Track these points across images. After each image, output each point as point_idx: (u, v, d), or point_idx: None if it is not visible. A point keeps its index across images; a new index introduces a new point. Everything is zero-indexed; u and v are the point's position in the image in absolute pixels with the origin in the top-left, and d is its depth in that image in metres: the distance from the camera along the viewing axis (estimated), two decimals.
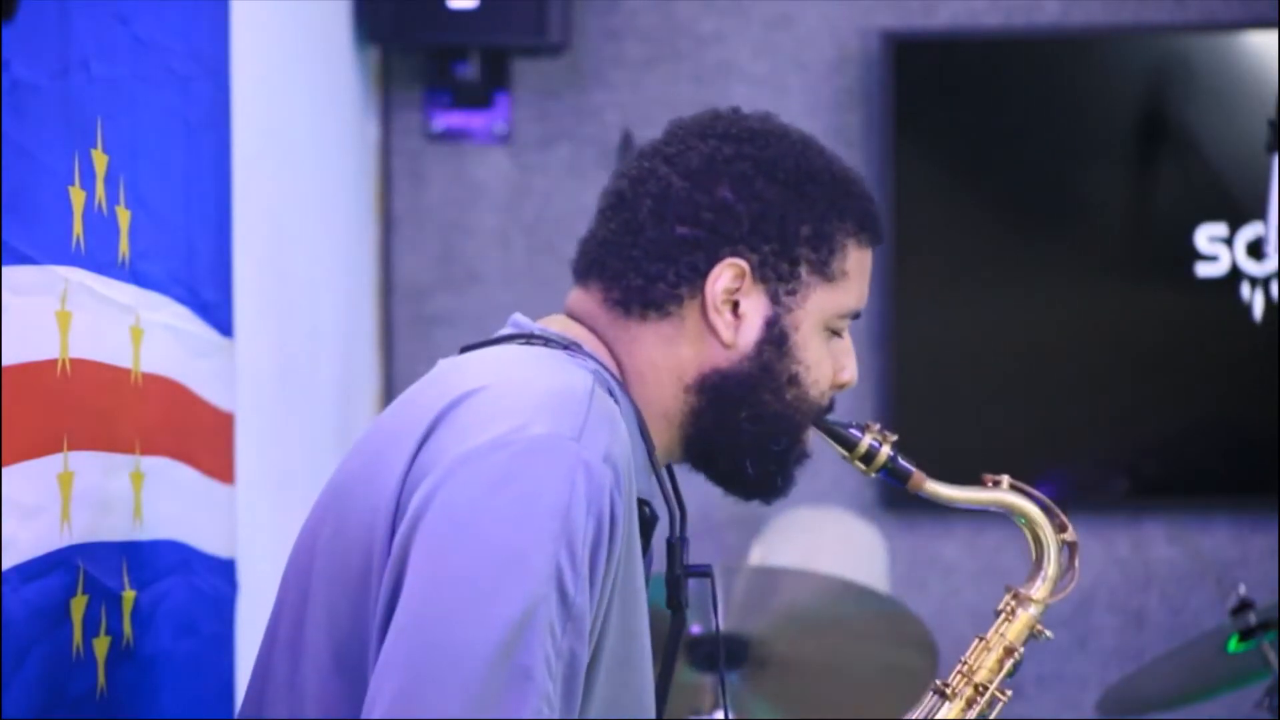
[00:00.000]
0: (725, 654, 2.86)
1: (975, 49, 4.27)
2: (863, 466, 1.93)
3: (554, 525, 1.62)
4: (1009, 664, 2.00)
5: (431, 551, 1.62)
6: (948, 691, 1.98)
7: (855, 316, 1.88)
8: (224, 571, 2.62)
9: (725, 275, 1.81)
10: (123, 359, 2.18)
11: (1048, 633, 2.00)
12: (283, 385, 3.19)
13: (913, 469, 1.93)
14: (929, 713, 1.98)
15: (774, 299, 1.82)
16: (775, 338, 1.82)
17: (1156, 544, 4.25)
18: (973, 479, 2.02)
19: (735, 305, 1.82)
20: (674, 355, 1.82)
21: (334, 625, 1.71)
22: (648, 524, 1.82)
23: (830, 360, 1.87)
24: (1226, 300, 4.16)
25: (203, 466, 2.51)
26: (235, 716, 1.82)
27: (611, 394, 1.77)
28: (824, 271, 1.84)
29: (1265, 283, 4.14)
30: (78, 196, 2.03)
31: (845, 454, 1.92)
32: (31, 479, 1.89)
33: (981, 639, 2.00)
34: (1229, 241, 4.15)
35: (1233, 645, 3.12)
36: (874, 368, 4.26)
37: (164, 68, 2.38)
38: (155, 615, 2.29)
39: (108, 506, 2.12)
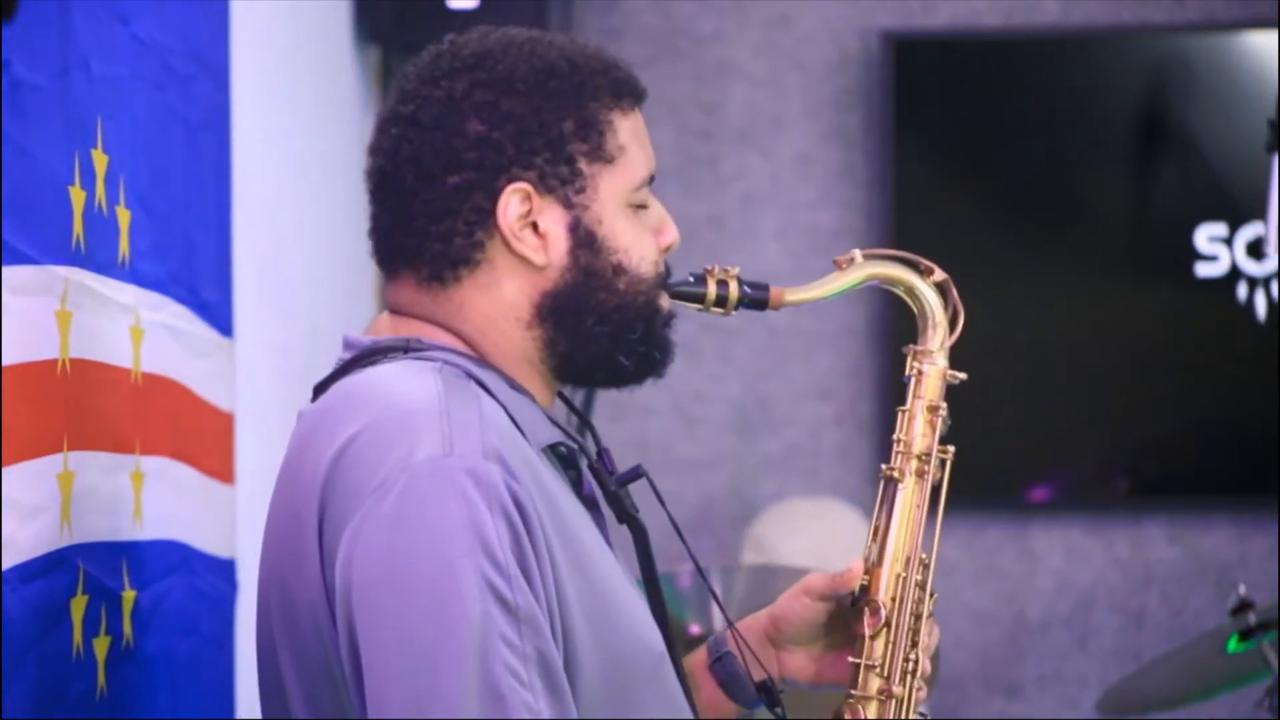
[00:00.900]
0: None
1: (975, 49, 4.27)
2: (721, 311, 1.89)
3: (464, 543, 1.61)
4: (937, 423, 1.95)
5: (369, 621, 1.62)
6: (895, 474, 1.95)
7: (650, 181, 1.85)
8: (224, 571, 2.62)
9: (512, 203, 1.77)
10: (123, 359, 2.18)
11: (960, 375, 1.96)
12: (283, 385, 3.19)
13: (766, 291, 1.90)
14: (889, 503, 1.95)
15: (566, 204, 1.79)
16: (584, 239, 1.79)
17: (1156, 544, 4.26)
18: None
19: (534, 226, 1.79)
20: (501, 300, 1.80)
21: (311, 697, 1.73)
22: (571, 459, 1.82)
23: (648, 233, 1.84)
24: (1226, 300, 4.16)
25: (203, 466, 2.51)
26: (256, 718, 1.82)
27: (468, 374, 1.75)
28: (601, 156, 1.80)
29: (1265, 283, 4.14)
30: (78, 196, 2.03)
31: (699, 307, 1.89)
32: (31, 479, 1.89)
33: (902, 410, 1.96)
34: (1229, 241, 4.15)
35: (1233, 645, 3.12)
36: (874, 367, 4.26)
37: (164, 68, 2.38)
38: (155, 615, 2.28)
39: (108, 506, 2.12)
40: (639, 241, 1.83)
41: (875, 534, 1.94)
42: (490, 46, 1.82)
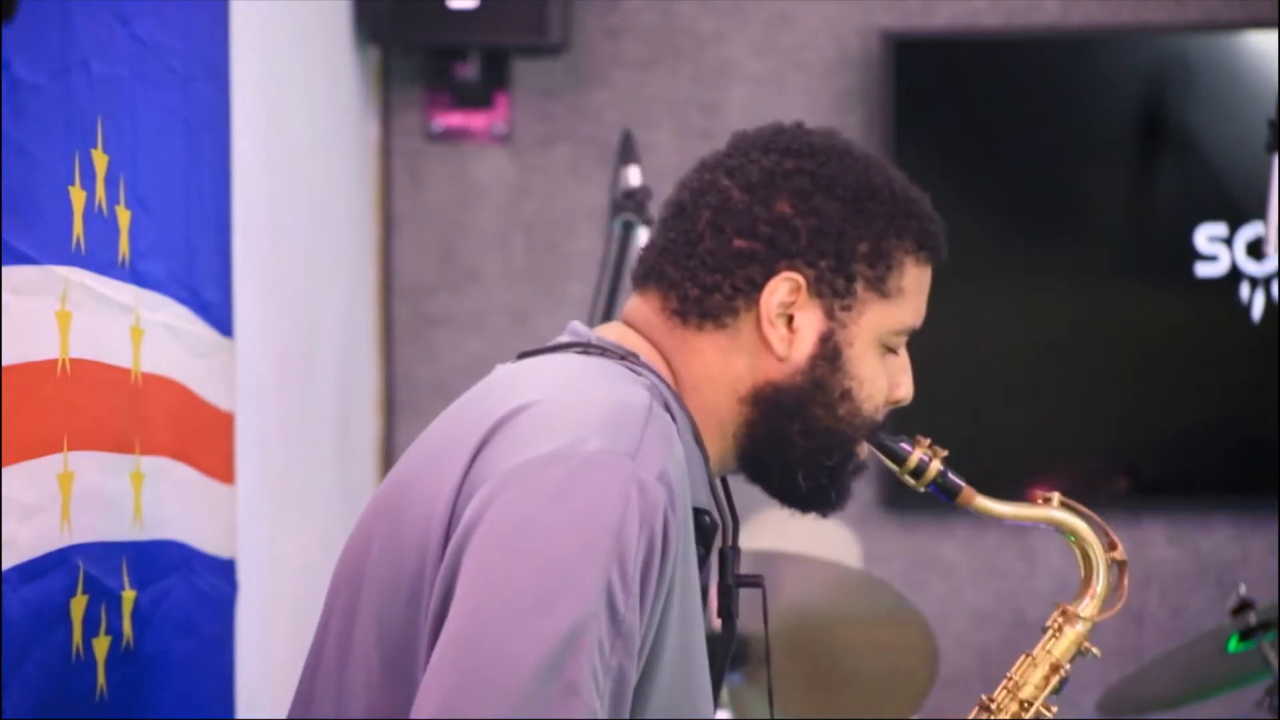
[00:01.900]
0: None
1: (975, 49, 4.27)
2: (912, 481, 1.93)
3: (606, 542, 1.62)
4: (1055, 680, 2.01)
5: (484, 563, 1.63)
6: (993, 707, 2.00)
7: (910, 333, 1.89)
8: (224, 571, 2.62)
9: (781, 289, 1.81)
10: (123, 359, 2.18)
11: (1095, 650, 2.01)
12: (283, 385, 3.19)
13: (962, 484, 1.94)
14: None
15: (829, 314, 1.83)
16: (829, 353, 1.83)
17: (1156, 544, 4.25)
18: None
19: (790, 319, 1.82)
20: (729, 367, 1.83)
21: (384, 630, 1.71)
22: (707, 533, 1.82)
23: (885, 377, 1.88)
24: (1226, 300, 4.15)
25: (203, 466, 2.51)
26: (283, 716, 1.82)
27: (668, 407, 1.78)
28: (880, 288, 1.84)
29: (1265, 283, 4.14)
30: (78, 196, 2.03)
31: (896, 468, 1.92)
32: (31, 479, 1.89)
33: (1028, 655, 2.01)
34: (1229, 241, 4.15)
35: (1233, 645, 3.12)
36: None
37: (164, 68, 2.38)
38: (155, 615, 2.28)
39: (108, 506, 2.12)
40: (875, 380, 1.86)
41: None
42: (832, 145, 1.87)
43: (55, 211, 1.99)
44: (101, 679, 2.08)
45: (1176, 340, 4.20)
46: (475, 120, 4.21)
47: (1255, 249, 4.13)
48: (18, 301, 1.86)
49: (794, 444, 1.84)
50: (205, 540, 2.52)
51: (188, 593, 2.43)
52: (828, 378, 1.83)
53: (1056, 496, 1.98)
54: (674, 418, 1.77)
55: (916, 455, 1.91)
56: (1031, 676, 2.00)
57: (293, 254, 3.33)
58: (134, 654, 2.19)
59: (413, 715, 1.60)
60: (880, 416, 1.88)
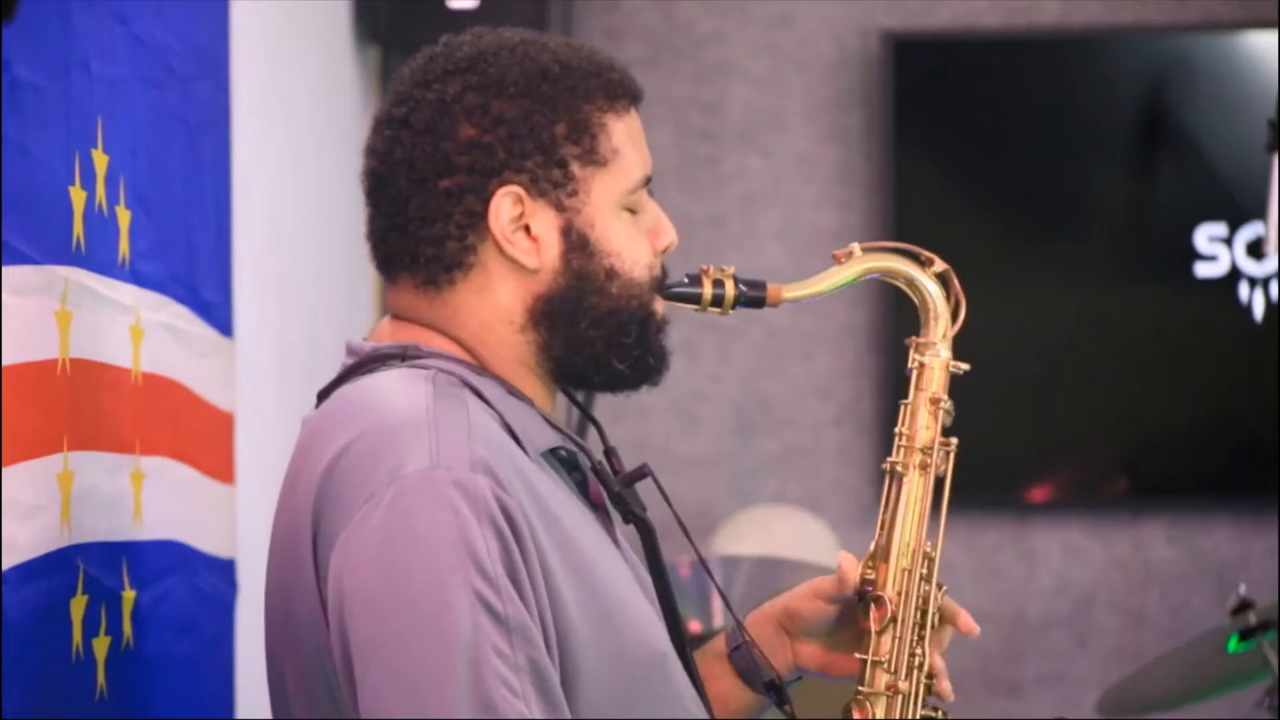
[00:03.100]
0: None
1: (975, 49, 4.27)
2: (718, 311, 1.89)
3: (453, 556, 1.61)
4: (940, 414, 1.94)
5: (361, 636, 1.63)
6: (898, 468, 1.94)
7: (646, 183, 1.85)
8: (224, 571, 2.61)
9: (504, 206, 1.78)
10: (123, 359, 2.18)
11: (964, 366, 1.95)
12: (283, 385, 3.19)
13: (764, 289, 1.90)
14: (893, 497, 1.92)
15: (559, 207, 1.79)
16: (577, 242, 1.79)
17: (1156, 544, 4.26)
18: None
19: (527, 229, 1.79)
20: (495, 304, 1.80)
21: (312, 708, 1.73)
22: (572, 464, 1.82)
23: (642, 236, 1.84)
24: (1226, 300, 4.16)
25: (203, 466, 2.50)
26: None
27: (464, 381, 1.75)
28: (594, 159, 1.80)
29: (1265, 283, 4.14)
30: (78, 196, 2.03)
31: (696, 308, 1.88)
32: (31, 479, 1.89)
33: (905, 403, 1.95)
34: (1229, 242, 4.15)
35: (1233, 645, 3.12)
36: (874, 367, 4.26)
37: (164, 68, 2.38)
38: (155, 615, 2.28)
39: (108, 506, 2.12)
40: (633, 245, 1.83)
41: (880, 528, 1.93)
42: (483, 49, 1.82)
43: (55, 211, 1.99)
44: (101, 679, 2.08)
45: (1176, 340, 4.21)
46: None
47: (1255, 249, 4.13)
48: (18, 301, 1.86)
49: (590, 340, 1.81)
50: (205, 540, 2.52)
51: (188, 593, 2.43)
52: (586, 265, 1.80)
53: (855, 246, 1.92)
54: (475, 389, 1.75)
55: (709, 289, 1.87)
56: (919, 421, 1.94)
57: (293, 254, 3.32)
58: (134, 654, 2.19)
59: None
60: (657, 271, 1.85)
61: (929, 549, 1.93)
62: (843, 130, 4.27)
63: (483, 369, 1.80)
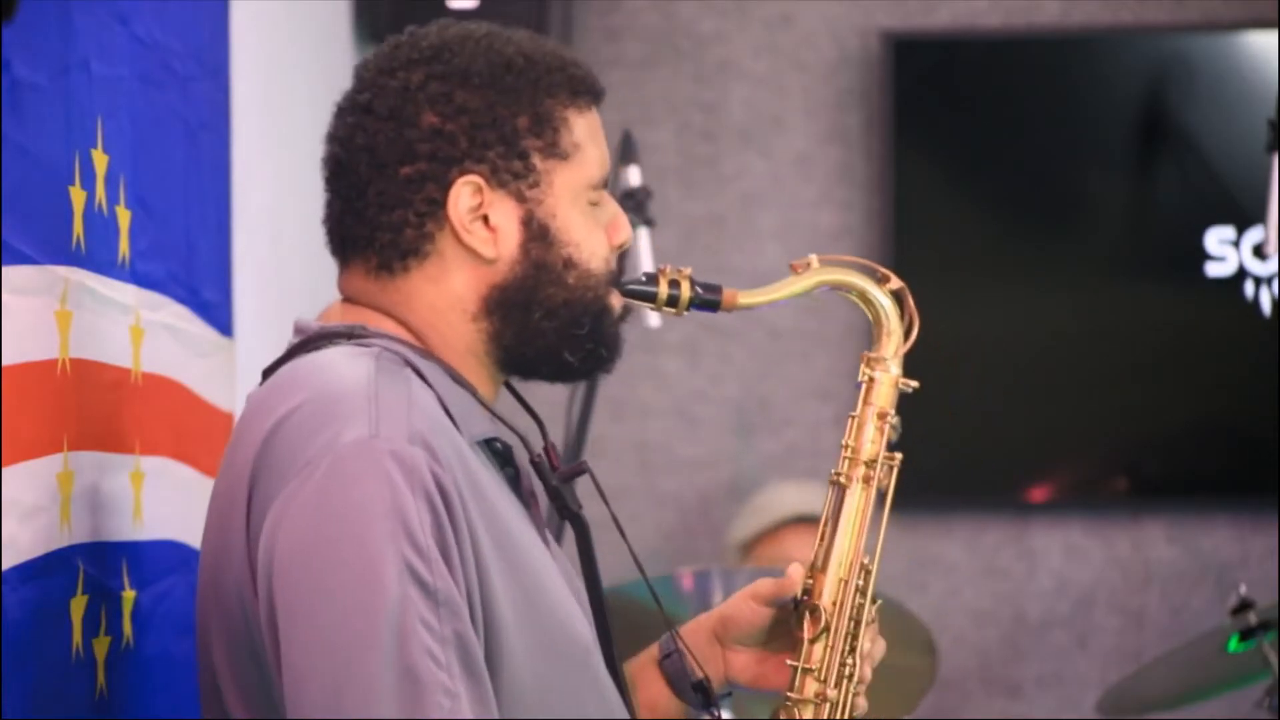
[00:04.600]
0: None
1: (975, 49, 4.27)
2: (672, 311, 1.90)
3: (386, 526, 1.62)
4: (886, 429, 1.96)
5: (288, 603, 1.64)
6: (842, 480, 1.95)
7: (605, 183, 1.86)
8: None
9: (463, 195, 1.79)
10: (123, 359, 2.18)
11: (913, 384, 1.97)
12: None
13: (719, 293, 1.91)
14: (835, 509, 1.94)
15: (519, 198, 1.80)
16: (536, 233, 1.81)
17: (1156, 544, 4.25)
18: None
19: (485, 219, 1.80)
20: (448, 292, 1.81)
21: (243, 686, 1.74)
22: (505, 457, 1.83)
23: (600, 230, 1.85)
24: (1226, 300, 4.15)
25: (203, 466, 2.50)
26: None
27: (406, 361, 1.76)
28: (556, 152, 1.82)
29: (1268, 282, 4.14)
30: (78, 196, 2.03)
31: (651, 306, 1.90)
32: (31, 479, 1.89)
33: (852, 416, 1.97)
34: (1235, 244, 4.15)
35: (1233, 645, 3.12)
36: None
37: (164, 68, 2.37)
38: (155, 615, 2.28)
39: (108, 506, 2.12)
40: (591, 237, 1.84)
41: (821, 539, 1.95)
42: (448, 39, 1.83)
43: (55, 211, 1.99)
44: (101, 679, 2.08)
45: (1174, 340, 4.21)
46: None
47: (1260, 250, 4.13)
48: (18, 301, 1.86)
49: (543, 331, 1.82)
50: None
51: (188, 593, 2.43)
52: (544, 255, 1.81)
53: (814, 258, 1.93)
54: (416, 369, 1.75)
55: (664, 289, 1.88)
56: (865, 434, 1.96)
57: (293, 254, 3.32)
58: (134, 654, 2.19)
59: None
60: (614, 266, 1.86)
61: (867, 561, 1.94)
62: (843, 130, 4.27)
63: (428, 353, 1.81)
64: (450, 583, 1.64)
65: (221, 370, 2.62)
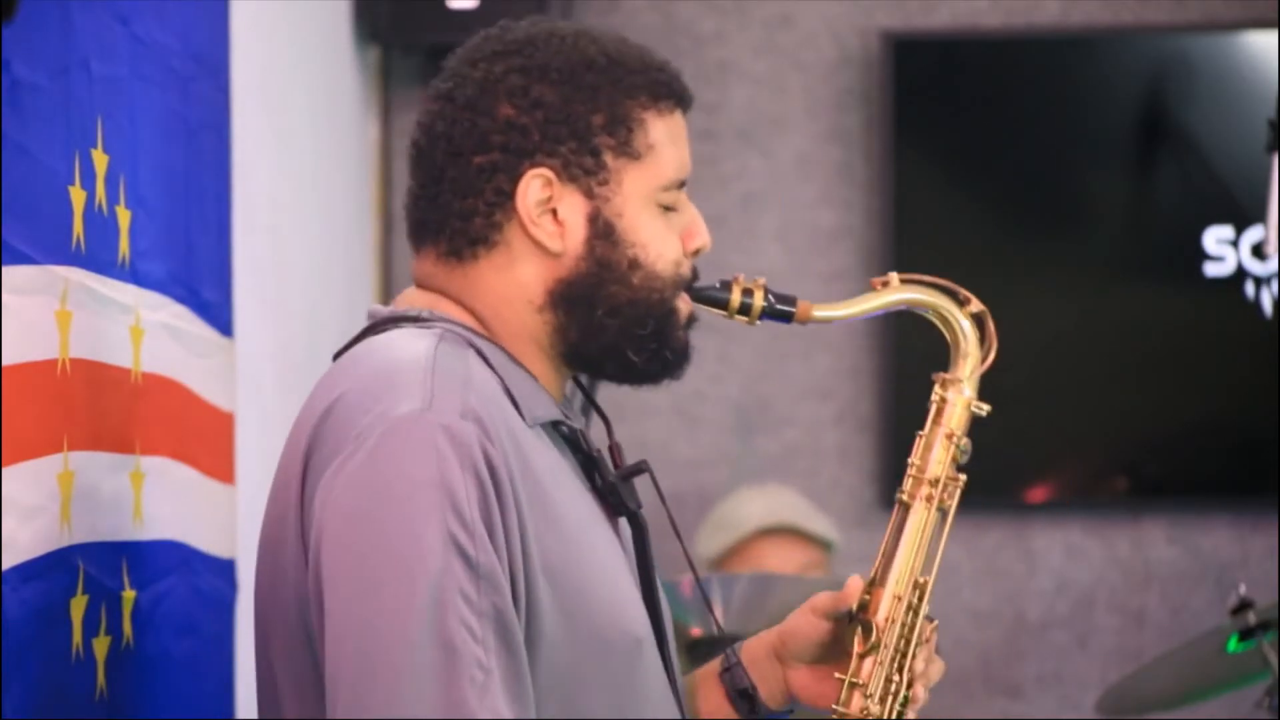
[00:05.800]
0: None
1: (975, 49, 4.27)
2: (744, 319, 1.92)
3: (433, 497, 1.64)
4: (954, 450, 1.97)
5: (333, 569, 1.65)
6: (905, 498, 1.96)
7: (682, 184, 1.87)
8: (224, 571, 2.62)
9: (533, 187, 1.80)
10: (123, 359, 2.18)
11: (985, 407, 1.98)
12: (283, 385, 3.19)
13: (794, 305, 1.92)
14: (898, 526, 1.95)
15: (588, 194, 1.81)
16: (602, 230, 1.82)
17: (1156, 544, 4.25)
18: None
19: (554, 213, 1.81)
20: (515, 282, 1.82)
21: (292, 661, 1.73)
22: (574, 443, 1.84)
23: (673, 233, 1.86)
24: (1226, 300, 4.15)
25: (203, 466, 2.51)
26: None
27: (469, 342, 1.78)
28: (629, 152, 1.83)
29: (1268, 282, 4.14)
30: (78, 196, 2.03)
31: (723, 313, 1.91)
32: (31, 479, 1.89)
33: (921, 435, 1.98)
34: (1235, 244, 4.15)
35: (1233, 645, 3.12)
36: (874, 367, 4.26)
37: (164, 68, 2.38)
38: (155, 615, 2.28)
39: (108, 506, 2.12)
40: (660, 239, 1.85)
41: (882, 554, 1.95)
42: (534, 35, 1.85)
43: (55, 211, 1.99)
44: (101, 679, 2.08)
45: (1174, 340, 4.20)
46: None
47: (1259, 250, 4.13)
48: (18, 301, 1.86)
49: (606, 328, 1.83)
50: (205, 540, 2.52)
51: (188, 593, 2.43)
52: (609, 254, 1.82)
53: (894, 276, 1.94)
54: (480, 351, 1.77)
55: (738, 296, 1.90)
56: (933, 455, 1.97)
57: (293, 254, 3.33)
58: (134, 654, 2.19)
59: None
60: (687, 271, 1.87)
61: (921, 579, 1.94)
62: (843, 130, 4.27)
63: (491, 339, 1.82)
64: (493, 557, 1.65)
65: (221, 370, 2.62)
